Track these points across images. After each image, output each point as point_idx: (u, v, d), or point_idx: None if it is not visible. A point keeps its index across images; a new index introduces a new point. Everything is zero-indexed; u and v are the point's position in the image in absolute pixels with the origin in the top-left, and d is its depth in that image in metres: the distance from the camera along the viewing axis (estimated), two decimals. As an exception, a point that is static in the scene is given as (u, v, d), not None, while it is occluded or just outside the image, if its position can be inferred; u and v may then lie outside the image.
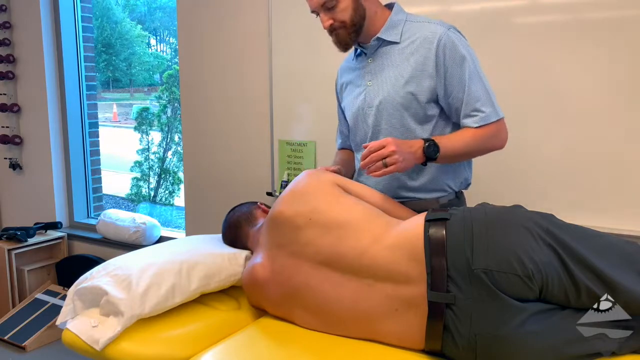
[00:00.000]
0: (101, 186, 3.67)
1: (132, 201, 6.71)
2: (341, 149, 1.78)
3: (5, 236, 3.13)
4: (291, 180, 1.53)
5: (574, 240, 1.13)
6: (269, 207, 1.58)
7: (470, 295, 1.11)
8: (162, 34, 12.91)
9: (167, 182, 6.77)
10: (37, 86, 3.31)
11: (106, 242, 3.21)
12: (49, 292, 3.08)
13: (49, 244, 3.25)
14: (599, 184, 1.86)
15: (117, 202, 6.82)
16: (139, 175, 6.73)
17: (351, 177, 1.63)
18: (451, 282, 1.13)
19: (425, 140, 1.38)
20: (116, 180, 7.07)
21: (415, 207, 1.45)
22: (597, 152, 1.85)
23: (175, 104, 6.66)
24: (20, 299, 3.12)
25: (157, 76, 11.22)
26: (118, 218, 3.17)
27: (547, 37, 1.88)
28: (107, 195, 6.09)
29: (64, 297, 2.99)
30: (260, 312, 1.47)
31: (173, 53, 10.49)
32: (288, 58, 2.44)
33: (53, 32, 3.29)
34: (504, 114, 1.46)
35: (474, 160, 1.56)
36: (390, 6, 1.54)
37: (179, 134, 6.36)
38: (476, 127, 1.43)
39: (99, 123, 3.66)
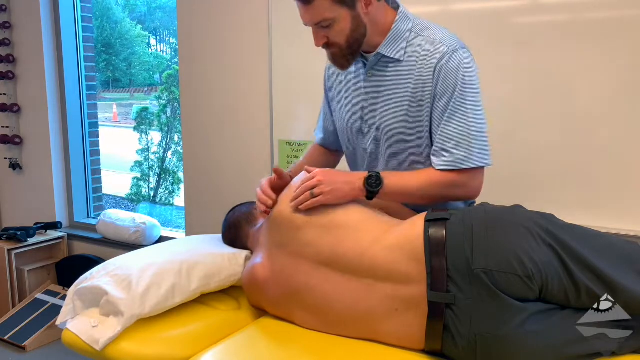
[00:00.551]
0: (101, 186, 3.67)
1: (132, 201, 6.71)
2: (319, 145, 1.70)
3: (5, 236, 3.13)
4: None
5: (574, 240, 1.13)
6: (269, 207, 1.58)
7: (470, 295, 1.11)
8: (162, 34, 12.91)
9: (167, 182, 6.77)
10: (37, 86, 3.30)
11: (106, 242, 3.21)
12: (49, 292, 3.08)
13: (49, 244, 3.25)
14: (599, 183, 1.86)
15: (117, 202, 6.82)
16: (139, 175, 6.73)
17: None
18: (451, 282, 1.13)
19: (370, 172, 1.32)
20: (116, 180, 7.07)
21: None
22: (597, 151, 1.85)
23: (175, 104, 6.67)
24: (20, 299, 3.12)
25: (157, 76, 11.22)
26: (118, 218, 3.17)
27: (547, 37, 1.88)
28: (107, 195, 6.09)
29: (64, 297, 2.99)
30: (260, 312, 1.47)
31: (173, 53, 10.49)
32: (288, 58, 2.43)
33: (53, 32, 3.29)
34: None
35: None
36: (395, 5, 1.39)
37: (179, 134, 6.36)
38: (440, 170, 1.31)
39: (99, 123, 3.66)
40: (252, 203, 1.68)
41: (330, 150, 1.70)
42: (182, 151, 2.95)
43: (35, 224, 3.32)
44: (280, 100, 2.48)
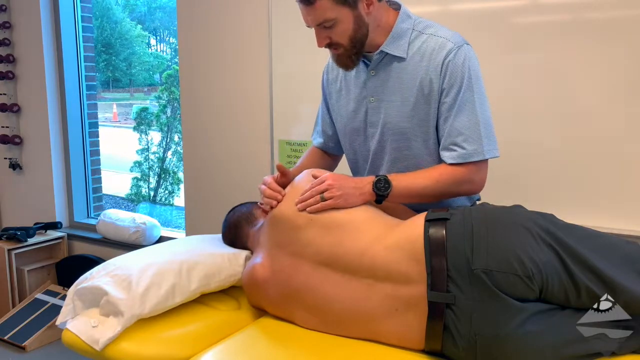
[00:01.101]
0: (101, 186, 3.67)
1: (132, 201, 6.71)
2: (316, 147, 1.70)
3: (5, 236, 3.13)
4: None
5: (574, 240, 1.13)
6: (269, 207, 1.58)
7: (470, 295, 1.11)
8: (162, 34, 12.91)
9: (167, 182, 6.77)
10: (37, 86, 3.30)
11: (106, 242, 3.21)
12: (49, 292, 3.08)
13: (49, 244, 3.25)
14: (599, 183, 1.86)
15: (117, 202, 6.82)
16: (138, 175, 6.73)
17: None
18: (451, 282, 1.13)
19: (377, 175, 1.34)
20: (116, 180, 7.07)
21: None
22: (597, 151, 1.85)
23: (175, 104, 6.67)
24: (20, 299, 3.12)
25: (157, 76, 11.22)
26: (118, 218, 3.17)
27: (547, 37, 1.88)
28: (107, 195, 6.10)
29: (64, 297, 2.99)
30: (260, 312, 1.47)
31: (173, 53, 10.49)
32: (288, 58, 2.43)
33: (53, 32, 3.29)
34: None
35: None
36: (395, 6, 1.41)
37: (179, 134, 6.36)
38: (451, 164, 1.33)
39: (99, 123, 3.66)
40: (253, 203, 1.68)
41: (329, 154, 1.70)
42: (182, 151, 2.95)
43: (35, 224, 3.32)
44: (280, 100, 2.48)
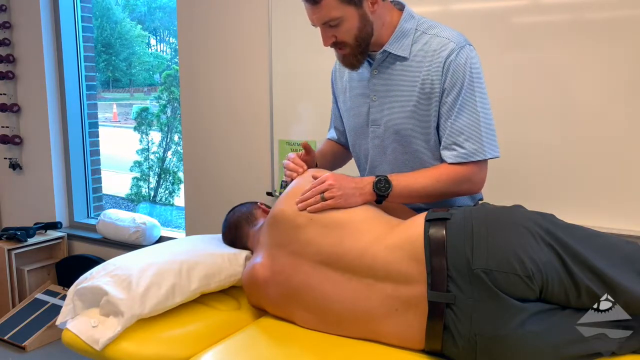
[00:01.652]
0: (101, 186, 3.67)
1: (132, 201, 6.71)
2: (330, 139, 1.73)
3: (5, 236, 3.13)
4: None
5: (574, 240, 1.13)
6: (269, 207, 1.58)
7: (470, 295, 1.11)
8: (162, 34, 12.91)
9: (167, 182, 6.77)
10: (37, 86, 3.30)
11: (106, 242, 3.21)
12: (49, 292, 3.08)
13: (49, 244, 3.25)
14: (599, 183, 1.86)
15: (117, 202, 6.82)
16: (138, 175, 6.73)
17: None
18: (451, 281, 1.13)
19: (377, 175, 1.34)
20: (116, 180, 7.07)
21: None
22: (597, 151, 1.85)
23: (175, 104, 6.67)
24: (20, 299, 3.12)
25: (157, 76, 11.22)
26: (118, 218, 3.17)
27: (547, 37, 1.88)
28: (107, 195, 6.10)
29: (64, 297, 2.99)
30: (260, 312, 1.47)
31: (173, 53, 10.49)
32: (288, 58, 2.44)
33: (53, 32, 3.29)
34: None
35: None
36: (399, 6, 1.42)
37: (179, 134, 6.36)
38: (452, 164, 1.34)
39: (99, 123, 3.66)
40: (252, 203, 1.68)
41: (345, 147, 1.71)
42: (182, 151, 2.95)
43: (35, 224, 3.32)
44: (280, 100, 2.48)
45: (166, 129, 6.76)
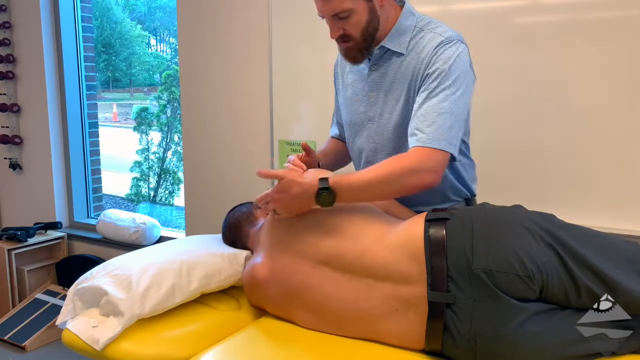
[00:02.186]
0: (101, 186, 3.67)
1: (132, 201, 6.71)
2: (333, 137, 1.72)
3: (5, 236, 3.13)
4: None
5: (574, 240, 1.13)
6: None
7: (470, 295, 1.11)
8: (162, 34, 12.91)
9: (167, 182, 6.77)
10: (37, 86, 3.30)
11: (106, 242, 3.21)
12: (49, 292, 3.09)
13: (49, 244, 3.25)
14: (599, 183, 1.86)
15: (117, 202, 6.82)
16: (138, 175, 6.73)
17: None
18: (451, 282, 1.13)
19: (322, 179, 1.26)
20: (116, 180, 7.07)
21: None
22: (597, 151, 1.85)
23: (175, 104, 6.67)
24: (20, 299, 3.12)
25: (157, 76, 11.22)
26: (118, 218, 3.17)
27: (547, 37, 1.88)
28: (107, 195, 6.09)
29: (64, 297, 2.99)
30: (260, 312, 1.47)
31: (173, 53, 10.49)
32: (288, 58, 2.43)
33: (53, 32, 3.29)
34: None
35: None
36: (400, 3, 1.41)
37: (179, 134, 6.36)
38: (414, 147, 1.26)
39: (99, 123, 3.66)
40: (253, 203, 1.68)
41: (342, 141, 1.70)
42: (182, 151, 2.95)
43: (35, 224, 3.32)
44: (280, 100, 2.48)
45: (166, 129, 6.76)
